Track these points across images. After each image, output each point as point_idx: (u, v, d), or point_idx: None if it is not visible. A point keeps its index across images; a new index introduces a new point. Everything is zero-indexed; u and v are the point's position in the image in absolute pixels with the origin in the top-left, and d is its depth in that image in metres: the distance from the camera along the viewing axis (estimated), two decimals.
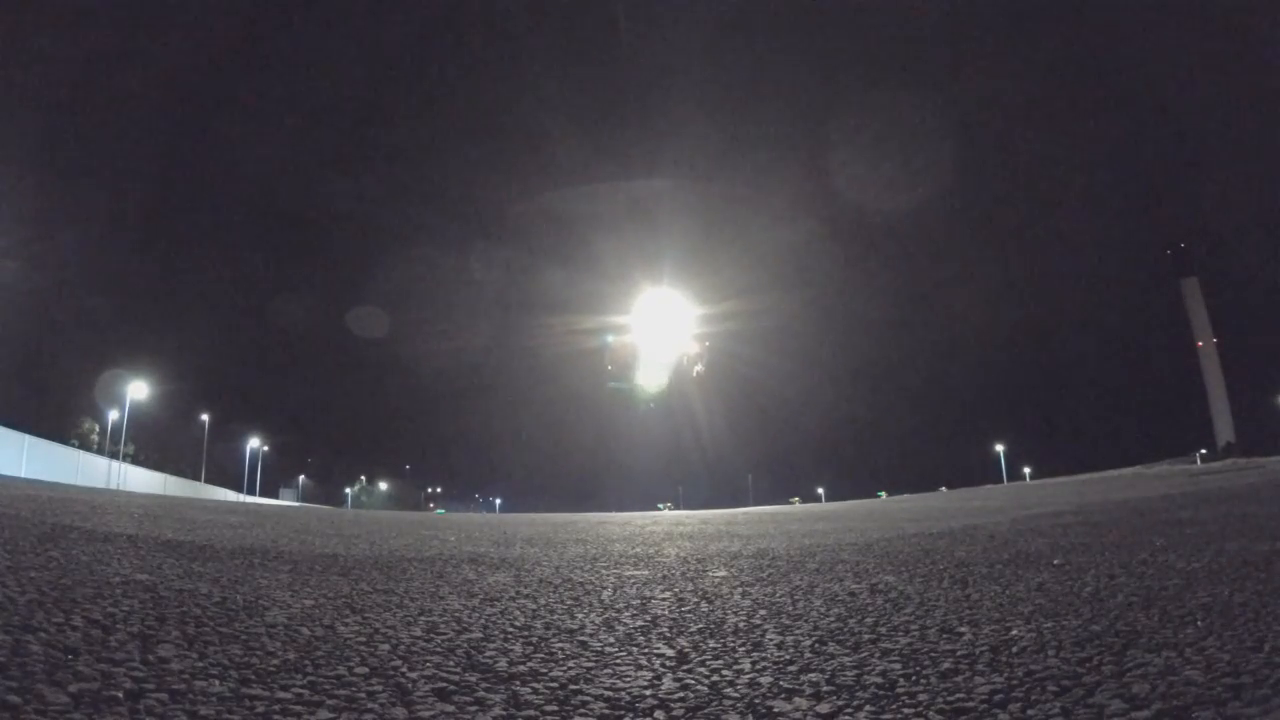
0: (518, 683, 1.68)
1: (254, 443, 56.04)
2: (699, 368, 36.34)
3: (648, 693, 1.62)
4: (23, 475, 20.45)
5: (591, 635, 2.22)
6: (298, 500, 62.14)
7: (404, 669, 1.74)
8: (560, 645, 2.07)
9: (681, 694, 1.61)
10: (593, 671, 1.80)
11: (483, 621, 2.40)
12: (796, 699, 1.56)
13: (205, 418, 48.64)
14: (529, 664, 1.85)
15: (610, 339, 36.22)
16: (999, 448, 60.50)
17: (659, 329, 35.51)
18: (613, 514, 16.57)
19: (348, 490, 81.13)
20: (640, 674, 1.78)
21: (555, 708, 1.51)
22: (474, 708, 1.49)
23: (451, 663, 1.83)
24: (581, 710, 1.50)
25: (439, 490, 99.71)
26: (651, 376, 36.78)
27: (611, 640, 2.15)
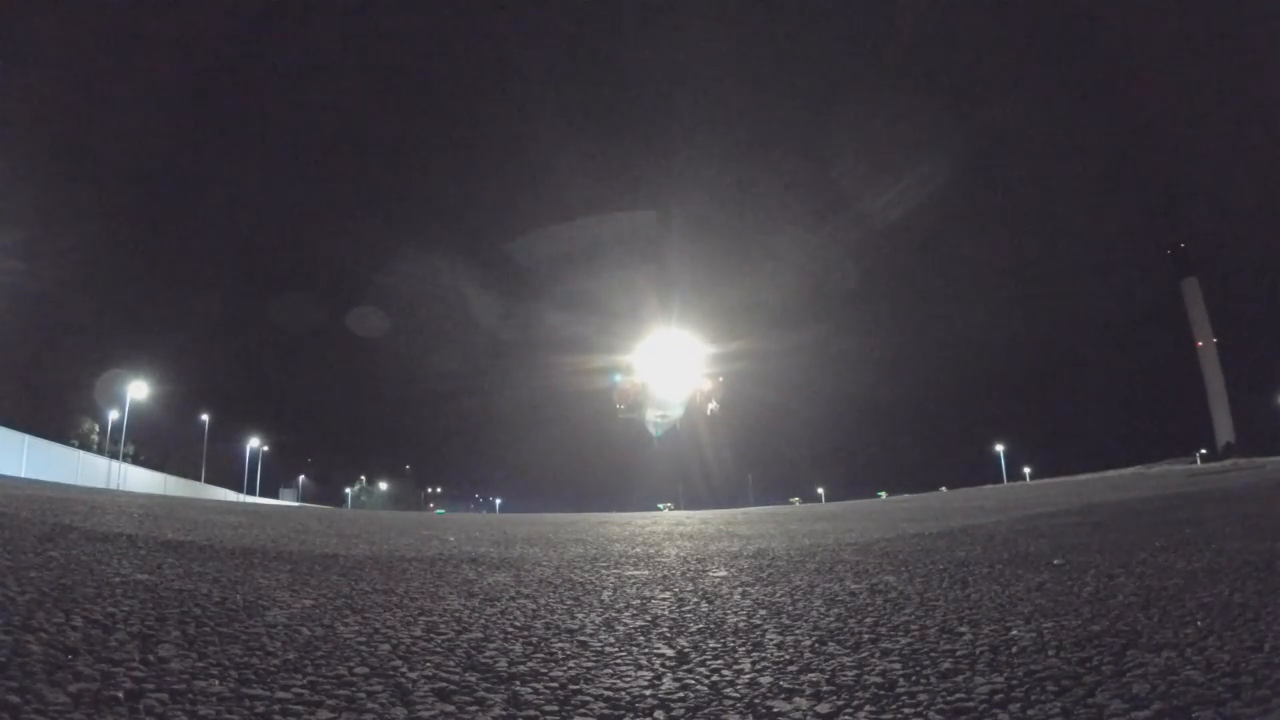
0: (518, 683, 1.68)
1: (254, 443, 56.07)
2: (713, 405, 35.65)
3: (648, 693, 1.62)
4: (23, 475, 20.45)
5: (591, 635, 2.22)
6: (297, 500, 62.13)
7: (404, 669, 1.74)
8: (560, 645, 2.07)
9: (681, 694, 1.61)
10: (593, 671, 1.80)
11: (483, 621, 2.39)
12: (796, 699, 1.56)
13: (205, 418, 48.69)
14: (529, 664, 1.85)
15: (618, 378, 35.68)
16: (999, 448, 60.54)
17: (669, 367, 34.91)
18: (613, 514, 16.58)
19: (348, 490, 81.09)
20: (640, 674, 1.78)
21: (555, 708, 1.51)
22: (474, 708, 1.49)
23: (451, 663, 1.83)
24: (581, 710, 1.50)
25: (439, 490, 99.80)
26: (662, 415, 36.22)
27: (611, 640, 2.15)
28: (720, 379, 35.78)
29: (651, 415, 35.81)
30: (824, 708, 1.49)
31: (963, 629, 2.17)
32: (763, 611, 2.59)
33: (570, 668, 1.82)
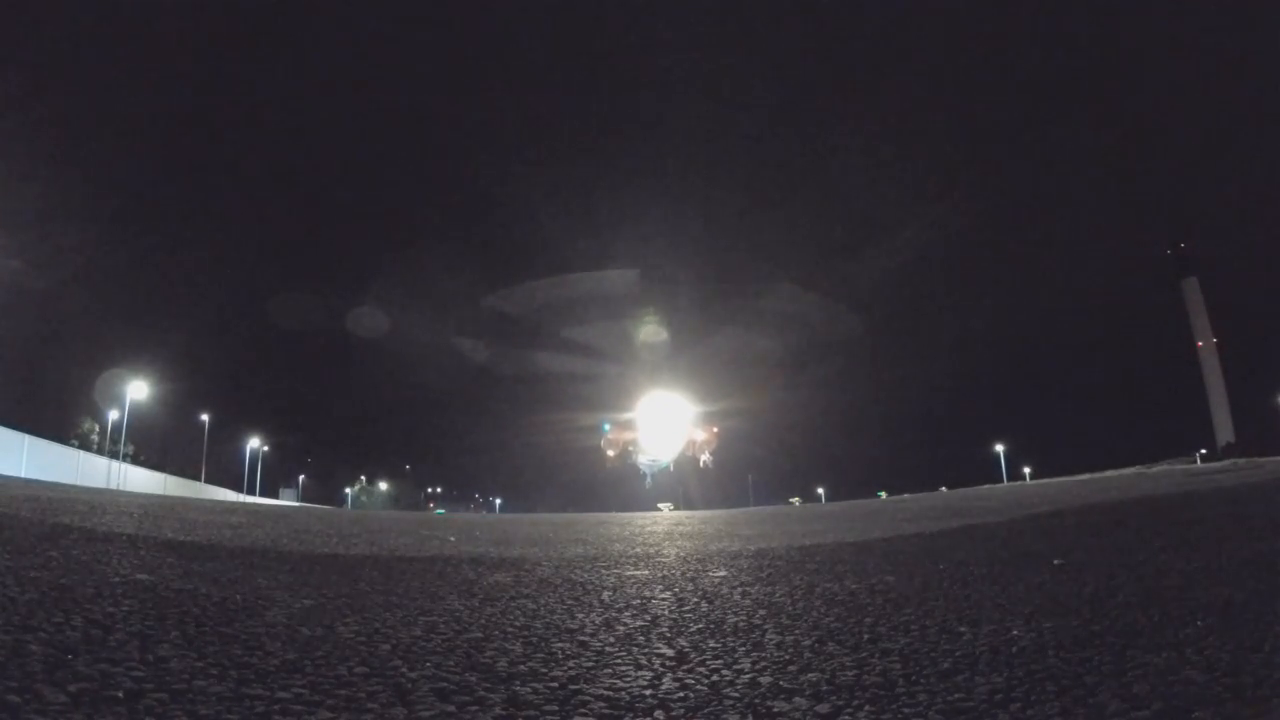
0: (518, 683, 1.68)
1: (254, 443, 56.01)
2: (706, 457, 35.44)
3: (648, 693, 1.62)
4: (23, 475, 20.44)
5: (591, 635, 2.22)
6: (297, 500, 62.00)
7: (404, 669, 1.74)
8: (560, 645, 2.07)
9: (681, 694, 1.61)
10: (593, 671, 1.80)
11: (483, 621, 2.39)
12: (796, 699, 1.56)
13: (205, 418, 48.65)
14: (529, 664, 1.85)
15: (608, 427, 35.49)
16: (999, 448, 60.41)
17: (661, 419, 34.73)
18: (613, 514, 16.58)
19: (348, 490, 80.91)
20: (640, 674, 1.78)
21: (555, 708, 1.51)
22: (474, 708, 1.49)
23: (451, 663, 1.83)
24: (581, 710, 1.50)
25: (439, 490, 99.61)
26: (653, 460, 36.06)
27: (611, 640, 2.15)
28: (715, 430, 35.61)
29: (643, 460, 35.77)
30: (824, 708, 1.50)
31: (963, 629, 2.17)
32: (763, 611, 2.59)
33: (570, 668, 1.82)
